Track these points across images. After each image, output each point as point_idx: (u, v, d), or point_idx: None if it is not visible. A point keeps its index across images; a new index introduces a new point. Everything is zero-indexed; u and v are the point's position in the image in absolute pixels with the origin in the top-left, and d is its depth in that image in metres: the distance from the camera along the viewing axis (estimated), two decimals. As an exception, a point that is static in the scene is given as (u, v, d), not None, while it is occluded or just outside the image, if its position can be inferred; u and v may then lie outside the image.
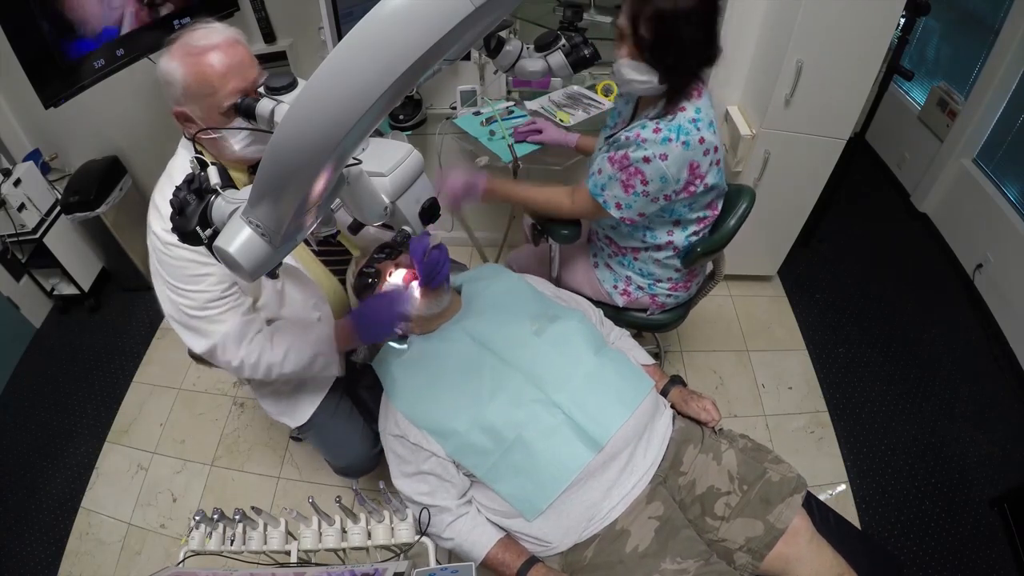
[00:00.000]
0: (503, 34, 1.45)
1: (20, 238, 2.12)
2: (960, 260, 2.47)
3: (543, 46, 1.43)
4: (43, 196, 2.18)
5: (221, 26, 1.02)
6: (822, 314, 2.31)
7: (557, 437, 1.07)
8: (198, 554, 1.06)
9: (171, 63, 0.98)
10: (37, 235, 2.13)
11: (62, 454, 1.97)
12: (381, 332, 1.19)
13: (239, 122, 0.98)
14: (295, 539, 1.10)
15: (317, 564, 1.11)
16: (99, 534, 1.77)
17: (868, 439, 1.90)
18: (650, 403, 1.16)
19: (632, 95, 1.35)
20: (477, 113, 1.92)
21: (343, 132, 0.49)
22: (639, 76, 1.18)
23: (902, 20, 1.83)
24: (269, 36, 1.93)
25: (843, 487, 1.78)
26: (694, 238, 1.42)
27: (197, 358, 1.29)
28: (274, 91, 0.88)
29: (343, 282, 1.35)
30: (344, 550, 1.11)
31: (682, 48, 1.14)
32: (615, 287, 1.54)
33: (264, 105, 0.89)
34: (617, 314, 1.57)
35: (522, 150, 1.74)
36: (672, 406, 1.25)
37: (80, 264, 2.34)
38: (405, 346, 1.25)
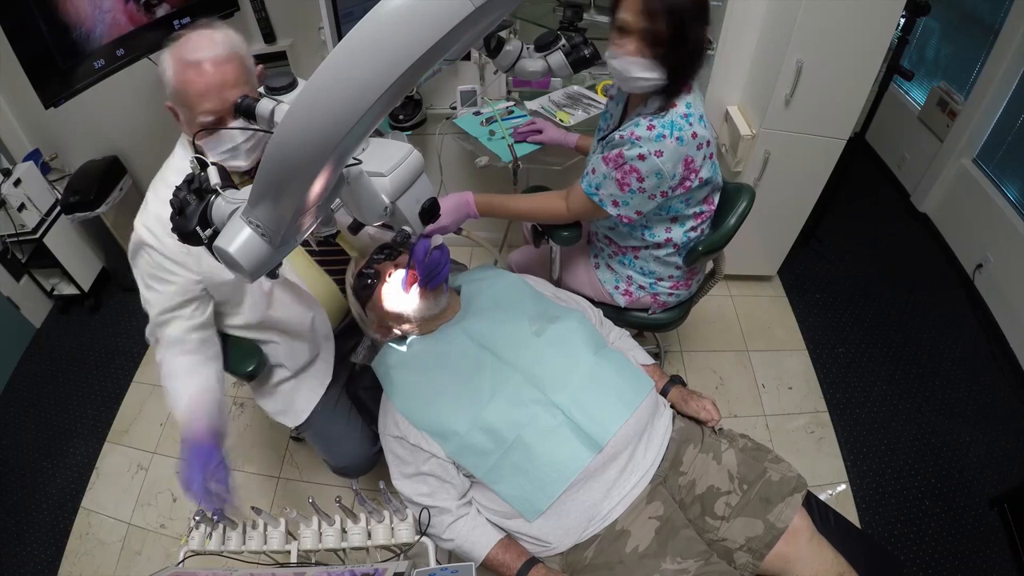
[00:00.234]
0: (503, 34, 1.45)
1: (20, 238, 2.12)
2: (960, 260, 2.47)
3: (543, 46, 1.43)
4: (43, 196, 2.18)
5: (221, 35, 1.02)
6: (822, 314, 2.31)
7: (557, 438, 1.07)
8: (198, 554, 1.06)
9: (166, 61, 1.01)
10: (37, 235, 2.13)
11: (62, 454, 1.97)
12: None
13: (240, 122, 0.98)
14: (295, 539, 1.10)
15: (317, 564, 1.11)
16: (99, 534, 1.77)
17: (868, 439, 1.90)
18: (650, 403, 1.16)
19: (624, 93, 1.35)
20: (477, 113, 1.92)
21: (343, 132, 0.49)
22: (646, 74, 1.16)
23: (902, 20, 1.83)
24: (269, 36, 1.93)
25: (843, 487, 1.78)
26: (692, 234, 1.42)
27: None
28: (274, 91, 0.88)
29: (339, 283, 1.35)
30: (344, 550, 1.10)
31: (689, 46, 1.14)
32: (616, 287, 1.54)
33: (264, 105, 0.89)
34: (619, 314, 1.57)
35: (522, 150, 1.74)
36: (672, 406, 1.25)
37: (80, 264, 2.34)
38: (404, 347, 1.25)
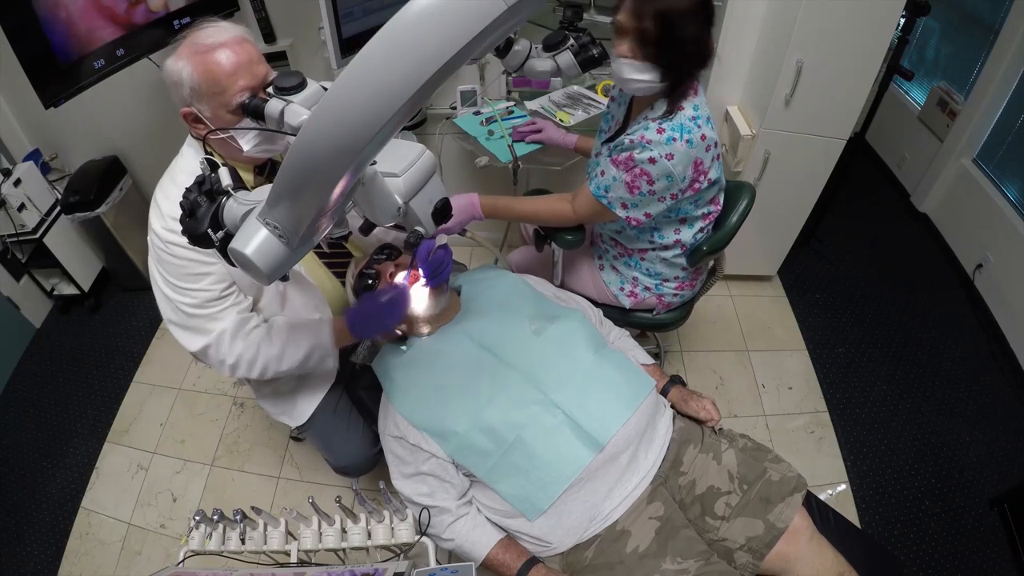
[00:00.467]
0: (512, 34, 1.45)
1: (20, 238, 2.12)
2: (960, 260, 2.47)
3: (551, 46, 1.43)
4: (43, 196, 2.18)
5: (228, 24, 1.01)
6: (822, 314, 2.31)
7: (557, 438, 1.07)
8: (198, 554, 1.06)
9: (178, 62, 0.97)
10: (37, 235, 2.13)
11: (62, 454, 1.97)
12: (375, 330, 1.18)
13: (247, 122, 0.98)
14: (295, 539, 1.10)
15: (317, 564, 1.11)
16: (99, 534, 1.77)
17: (868, 439, 1.90)
18: (650, 403, 1.16)
19: (627, 95, 1.35)
20: (477, 113, 1.92)
21: (370, 135, 0.49)
22: (639, 75, 1.18)
23: (902, 20, 1.83)
24: (269, 36, 1.93)
25: (843, 487, 1.78)
26: (700, 235, 1.42)
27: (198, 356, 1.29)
28: (283, 91, 0.88)
29: (344, 284, 1.35)
30: (344, 550, 1.11)
31: (684, 47, 1.14)
32: (621, 289, 1.54)
33: (273, 105, 0.89)
34: (623, 315, 1.57)
35: (521, 150, 1.74)
36: (672, 406, 1.25)
37: (80, 264, 2.34)
38: (404, 347, 1.25)
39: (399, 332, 1.25)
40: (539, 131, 1.73)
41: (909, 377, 2.08)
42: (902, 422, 1.95)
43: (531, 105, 1.92)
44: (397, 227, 0.82)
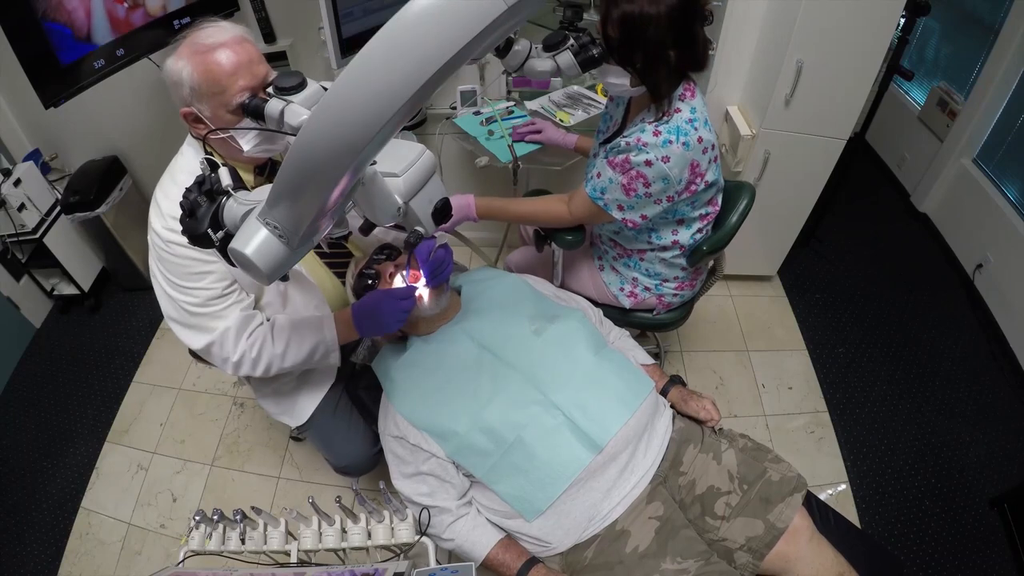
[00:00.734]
0: (512, 34, 1.44)
1: (20, 238, 2.12)
2: (960, 260, 2.47)
3: (551, 46, 1.43)
4: (43, 196, 2.18)
5: (228, 24, 1.01)
6: (822, 314, 2.31)
7: (557, 438, 1.07)
8: (198, 554, 1.06)
9: (178, 62, 0.97)
10: (37, 235, 2.13)
11: (62, 454, 1.97)
12: (381, 327, 1.18)
13: (247, 122, 0.97)
14: (295, 539, 1.10)
15: (317, 564, 1.11)
16: (99, 534, 1.77)
17: (868, 439, 1.90)
18: (650, 404, 1.16)
19: (621, 97, 1.36)
20: (477, 113, 1.92)
21: (371, 135, 0.49)
22: (613, 79, 1.20)
23: (902, 20, 1.83)
24: (269, 36, 1.93)
25: (843, 487, 1.78)
26: (699, 236, 1.42)
27: (197, 355, 1.29)
28: (283, 91, 0.88)
29: (344, 283, 1.35)
30: (344, 550, 1.11)
31: (650, 51, 1.13)
32: (621, 289, 1.54)
33: (273, 105, 0.89)
34: (624, 316, 1.57)
35: (521, 150, 1.74)
36: (672, 406, 1.25)
37: (80, 264, 2.34)
38: (405, 347, 1.25)
39: (399, 332, 1.25)
40: (539, 131, 1.73)
41: (909, 377, 2.08)
42: (902, 422, 1.95)
43: (531, 105, 1.92)
44: (397, 227, 0.82)
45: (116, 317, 2.42)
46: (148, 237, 1.10)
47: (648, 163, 1.20)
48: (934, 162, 2.62)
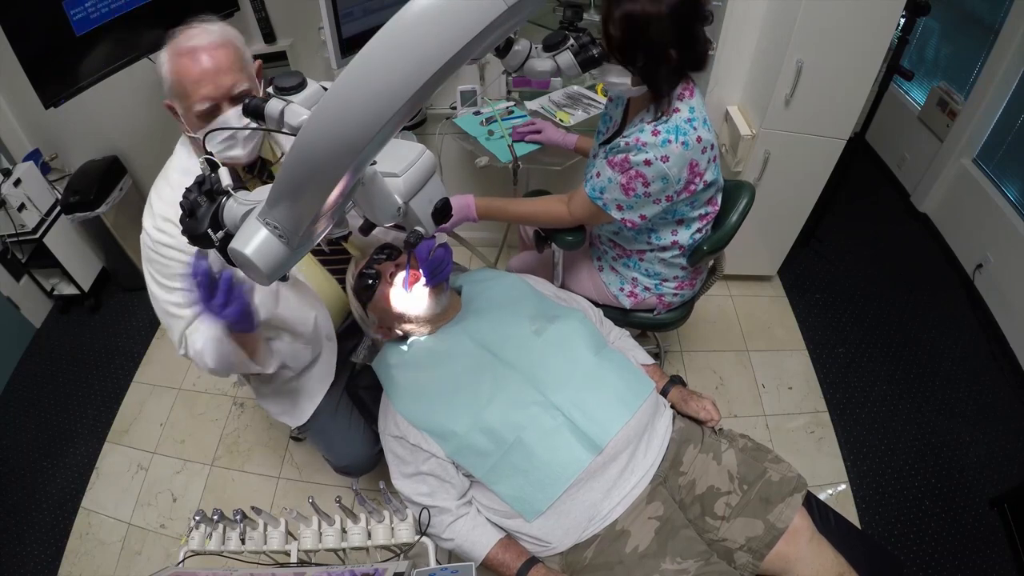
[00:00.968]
0: (512, 34, 1.44)
1: (20, 238, 2.12)
2: (960, 260, 2.47)
3: (551, 46, 1.44)
4: (43, 196, 2.18)
5: (217, 26, 1.02)
6: (822, 314, 2.31)
7: (557, 439, 1.07)
8: (198, 554, 1.06)
9: (162, 57, 1.01)
10: (37, 235, 2.13)
11: (62, 454, 1.97)
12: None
13: (231, 119, 0.99)
14: (295, 539, 1.10)
15: (317, 564, 1.11)
16: (99, 534, 1.77)
17: (868, 439, 1.90)
18: (650, 404, 1.16)
19: (620, 97, 1.36)
20: (477, 113, 1.92)
21: (370, 135, 0.49)
22: (613, 78, 1.19)
23: (902, 20, 1.83)
24: (269, 36, 1.93)
25: (843, 487, 1.78)
26: (698, 236, 1.42)
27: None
28: (283, 91, 0.88)
29: (342, 283, 1.35)
30: (344, 550, 1.11)
31: (652, 50, 1.13)
32: (621, 289, 1.54)
33: (273, 106, 0.89)
34: (624, 316, 1.57)
35: (521, 150, 1.74)
36: (672, 406, 1.25)
37: (80, 264, 2.34)
38: (405, 347, 1.25)
39: (399, 332, 1.25)
40: (539, 131, 1.73)
41: (909, 377, 2.08)
42: (902, 422, 1.95)
43: (531, 105, 1.92)
44: (397, 227, 0.81)
45: (116, 317, 2.42)
46: (140, 237, 1.12)
47: (647, 163, 1.20)
48: (934, 162, 2.62)
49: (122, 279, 2.46)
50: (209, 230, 0.75)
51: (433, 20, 0.43)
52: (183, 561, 1.05)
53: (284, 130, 0.88)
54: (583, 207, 1.34)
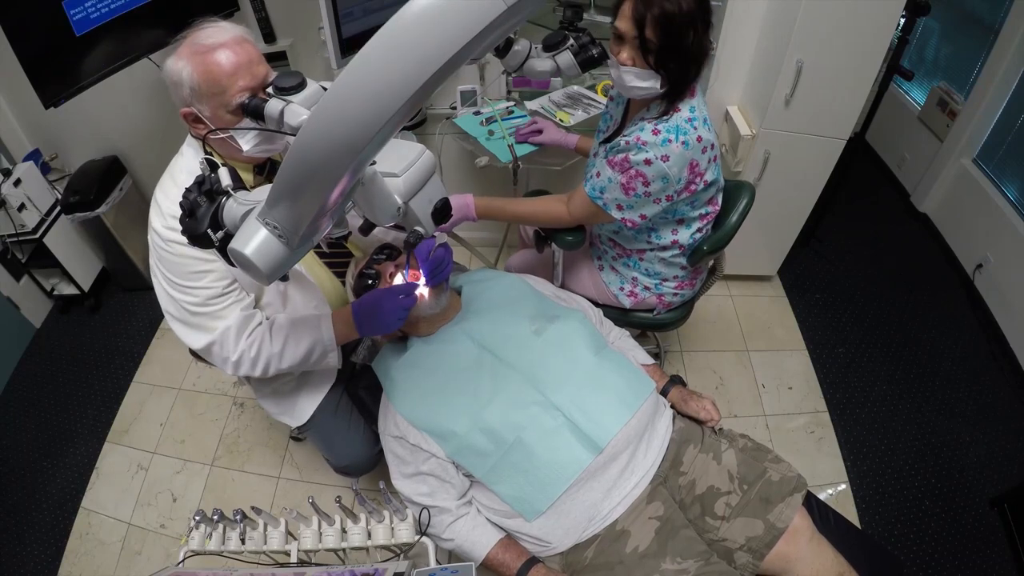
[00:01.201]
0: (512, 34, 1.44)
1: (20, 238, 2.12)
2: (960, 260, 2.47)
3: (551, 46, 1.43)
4: (43, 196, 2.18)
5: (228, 24, 1.01)
6: (822, 314, 2.31)
7: (557, 439, 1.07)
8: (198, 554, 1.06)
9: (178, 63, 0.97)
10: (37, 235, 2.13)
11: (62, 454, 1.97)
12: (381, 326, 1.17)
13: (247, 122, 0.97)
14: (295, 539, 1.10)
15: (317, 564, 1.11)
16: (99, 534, 1.77)
17: (868, 439, 1.90)
18: (650, 404, 1.16)
19: (621, 97, 1.35)
20: (477, 113, 1.92)
21: (370, 135, 0.49)
22: (641, 83, 1.17)
23: (902, 20, 1.83)
24: (269, 36, 1.93)
25: (843, 487, 1.78)
26: (698, 235, 1.42)
27: (197, 355, 1.29)
28: (283, 91, 0.88)
29: (344, 283, 1.35)
30: (344, 550, 1.11)
31: (686, 52, 1.13)
32: (621, 289, 1.54)
33: (273, 106, 0.89)
34: (624, 316, 1.57)
35: (521, 150, 1.74)
36: (672, 406, 1.25)
37: (80, 264, 2.34)
38: (405, 347, 1.25)
39: (400, 332, 1.25)
40: (540, 131, 1.73)
41: (909, 377, 2.08)
42: (902, 422, 1.95)
43: (531, 105, 1.92)
44: (397, 227, 0.82)
45: (116, 317, 2.42)
46: (148, 237, 1.10)
47: (647, 162, 1.20)
48: (934, 162, 2.62)
49: (122, 279, 2.46)
50: (209, 230, 0.75)
51: (433, 20, 0.42)
52: (183, 561, 1.05)
53: (284, 130, 0.88)
54: (583, 207, 1.34)
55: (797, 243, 2.21)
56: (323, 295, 1.27)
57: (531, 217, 1.46)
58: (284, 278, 0.80)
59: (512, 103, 1.95)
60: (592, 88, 1.96)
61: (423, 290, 1.18)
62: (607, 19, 1.39)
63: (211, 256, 1.06)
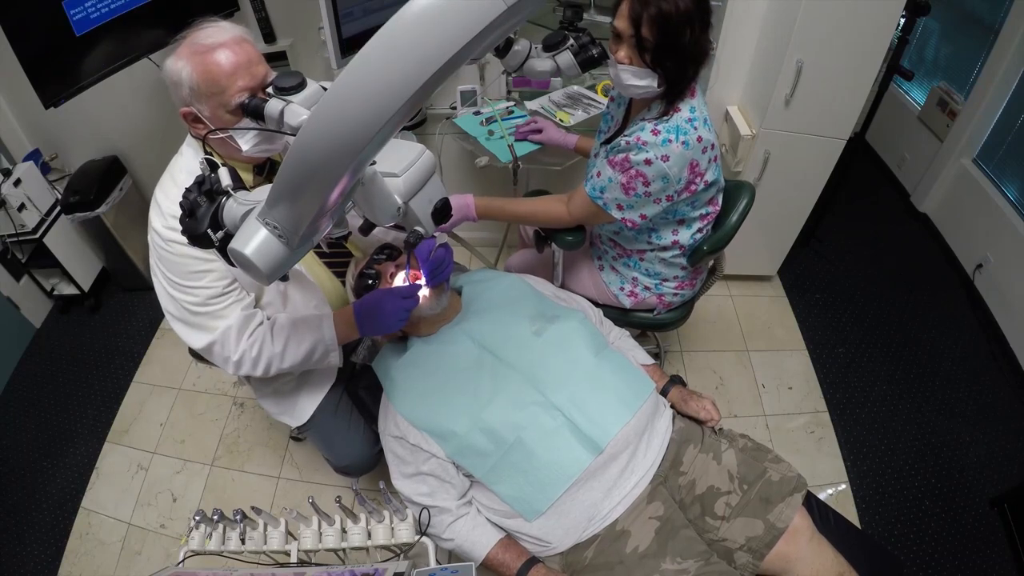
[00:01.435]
0: (511, 34, 1.45)
1: (20, 238, 2.12)
2: (960, 260, 2.47)
3: (551, 46, 1.43)
4: (43, 196, 2.18)
5: (228, 24, 1.01)
6: (822, 314, 2.31)
7: (557, 439, 1.07)
8: (198, 554, 1.06)
9: (178, 63, 0.97)
10: (37, 235, 2.13)
11: (62, 454, 1.97)
12: (382, 326, 1.17)
13: (246, 122, 0.97)
14: (295, 539, 1.10)
15: (317, 564, 1.11)
16: (99, 534, 1.77)
17: (868, 439, 1.90)
18: (650, 404, 1.16)
19: (622, 97, 1.35)
20: (477, 113, 1.92)
21: (370, 135, 0.49)
22: (639, 81, 1.17)
23: (902, 20, 1.83)
24: (269, 36, 1.93)
25: (843, 487, 1.78)
26: (699, 235, 1.42)
27: (197, 355, 1.29)
28: (283, 91, 0.88)
29: (344, 283, 1.35)
30: (344, 550, 1.11)
31: (684, 51, 1.13)
32: (622, 289, 1.54)
33: (273, 105, 0.89)
34: (624, 316, 1.57)
35: (521, 150, 1.74)
36: (672, 406, 1.25)
37: (80, 264, 2.34)
38: (405, 347, 1.25)
39: (400, 332, 1.25)
40: (539, 130, 1.73)
41: (909, 377, 2.08)
42: (902, 422, 1.95)
43: (531, 105, 1.92)
44: (397, 227, 0.82)
45: (116, 317, 2.42)
46: (148, 236, 1.10)
47: (647, 162, 1.20)
48: (934, 162, 2.62)
49: (122, 279, 2.46)
50: (209, 230, 0.75)
51: (433, 20, 0.42)
52: (183, 561, 1.05)
53: (284, 130, 0.88)
54: (583, 206, 1.34)
55: (797, 243, 2.21)
56: (323, 295, 1.27)
57: (531, 217, 1.46)
58: (284, 278, 0.80)
59: (512, 103, 1.95)
60: (592, 88, 1.96)
61: (424, 291, 1.18)
62: (607, 19, 1.39)
63: (211, 256, 1.06)
